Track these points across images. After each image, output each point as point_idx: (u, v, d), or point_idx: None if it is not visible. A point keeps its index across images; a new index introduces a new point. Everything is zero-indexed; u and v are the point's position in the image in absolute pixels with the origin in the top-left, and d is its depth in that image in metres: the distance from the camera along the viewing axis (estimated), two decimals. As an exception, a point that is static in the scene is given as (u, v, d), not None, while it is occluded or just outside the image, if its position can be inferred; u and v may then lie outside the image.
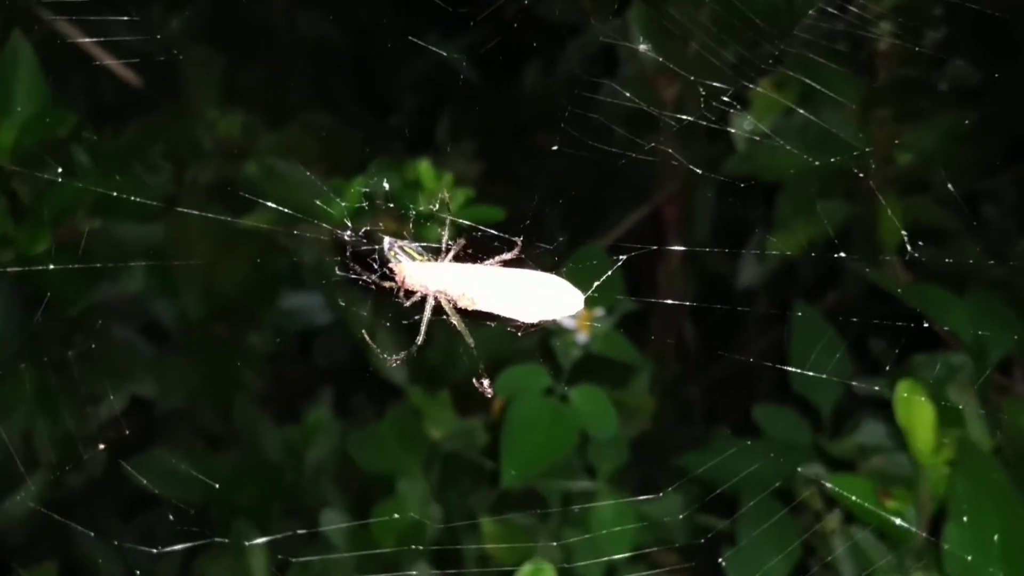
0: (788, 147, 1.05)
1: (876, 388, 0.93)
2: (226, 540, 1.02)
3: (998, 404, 0.94)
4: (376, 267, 0.74)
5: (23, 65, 0.93)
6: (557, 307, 0.69)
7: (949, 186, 1.02)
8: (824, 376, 1.04)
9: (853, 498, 0.89)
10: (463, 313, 0.72)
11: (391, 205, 0.93)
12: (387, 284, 0.73)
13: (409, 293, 0.72)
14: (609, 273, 0.75)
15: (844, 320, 1.12)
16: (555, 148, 0.78)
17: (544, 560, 0.84)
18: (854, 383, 1.05)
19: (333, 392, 1.31)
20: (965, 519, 0.82)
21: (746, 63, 0.96)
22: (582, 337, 1.03)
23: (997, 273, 1.11)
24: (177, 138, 1.20)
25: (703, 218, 1.46)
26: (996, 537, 0.81)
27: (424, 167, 0.98)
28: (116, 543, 1.03)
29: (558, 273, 0.70)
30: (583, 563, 1.00)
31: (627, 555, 1.02)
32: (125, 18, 1.04)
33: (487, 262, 0.72)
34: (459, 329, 0.72)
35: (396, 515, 1.07)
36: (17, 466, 1.10)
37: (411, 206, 0.90)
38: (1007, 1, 0.96)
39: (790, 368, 1.06)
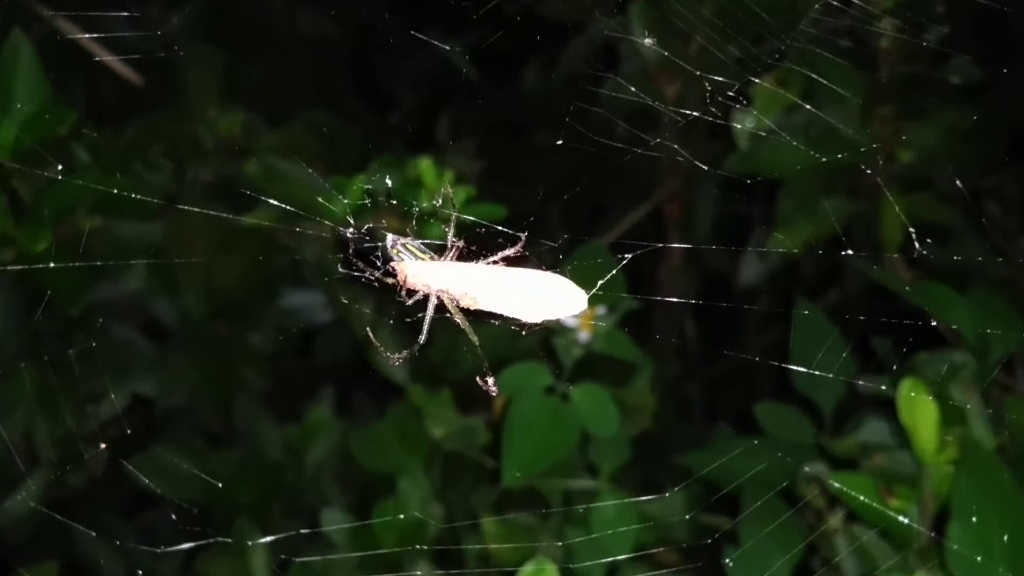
0: (791, 144, 1.04)
1: (883, 388, 0.92)
2: (229, 540, 1.01)
3: (1001, 402, 0.94)
4: (379, 265, 0.73)
5: (23, 63, 0.93)
6: (561, 307, 0.68)
7: (958, 183, 1.02)
8: (829, 376, 1.04)
9: (856, 497, 0.88)
10: (466, 311, 0.72)
11: (393, 202, 0.93)
12: (390, 282, 0.72)
13: (411, 292, 0.72)
14: (613, 272, 0.75)
15: (846, 318, 1.11)
16: (559, 143, 0.77)
17: (546, 559, 0.84)
18: (857, 382, 1.05)
19: (334, 391, 1.31)
20: (968, 518, 0.82)
21: (749, 59, 0.96)
22: (584, 335, 1.03)
23: (1000, 271, 1.11)
24: (177, 136, 1.20)
25: (704, 215, 1.45)
26: (1000, 536, 0.80)
27: (425, 165, 0.98)
28: (118, 543, 1.03)
29: (562, 272, 0.69)
30: (586, 564, 1.00)
31: (629, 554, 1.02)
32: (125, 16, 1.04)
33: (490, 259, 0.72)
34: (463, 327, 0.72)
35: (400, 516, 1.06)
36: (18, 465, 1.10)
37: (414, 203, 0.90)
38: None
39: (795, 368, 1.05)
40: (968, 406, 0.90)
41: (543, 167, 1.53)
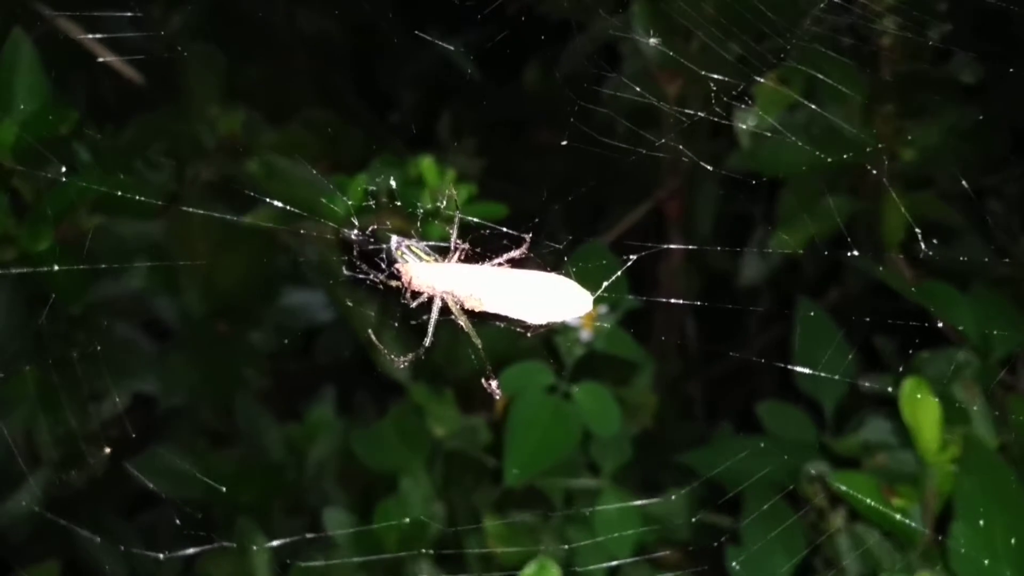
0: (793, 142, 1.04)
1: (889, 389, 0.92)
2: (233, 544, 1.01)
3: (1004, 401, 0.94)
4: (383, 267, 0.73)
5: (24, 62, 0.93)
6: (565, 308, 0.68)
7: (964, 184, 1.02)
8: (832, 377, 1.04)
9: (858, 497, 0.88)
10: (470, 314, 0.72)
11: (398, 204, 0.93)
12: (394, 284, 0.72)
13: (416, 294, 0.72)
14: (618, 274, 0.75)
15: (848, 317, 1.11)
16: (563, 144, 0.77)
17: (548, 559, 0.84)
18: (860, 382, 1.04)
19: (335, 390, 1.31)
20: (972, 518, 0.82)
21: (750, 58, 0.96)
22: (586, 335, 1.03)
23: (1002, 269, 1.11)
24: (178, 135, 1.19)
25: (705, 214, 1.45)
26: (1003, 536, 0.80)
27: (427, 164, 0.98)
28: (123, 548, 1.03)
29: (566, 273, 0.69)
30: (588, 563, 1.00)
31: (631, 553, 1.02)
32: (126, 15, 1.04)
33: (495, 261, 0.72)
34: (466, 330, 0.71)
35: (404, 519, 1.06)
36: (19, 465, 1.10)
37: (418, 204, 0.90)
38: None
39: (798, 369, 1.05)
40: (971, 406, 0.90)
41: (544, 166, 1.53)
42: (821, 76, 1.00)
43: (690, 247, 1.42)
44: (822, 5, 0.89)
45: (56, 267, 0.91)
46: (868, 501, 0.88)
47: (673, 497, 1.08)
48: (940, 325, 0.96)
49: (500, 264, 0.71)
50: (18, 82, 0.93)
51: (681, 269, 1.44)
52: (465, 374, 1.13)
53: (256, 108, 1.25)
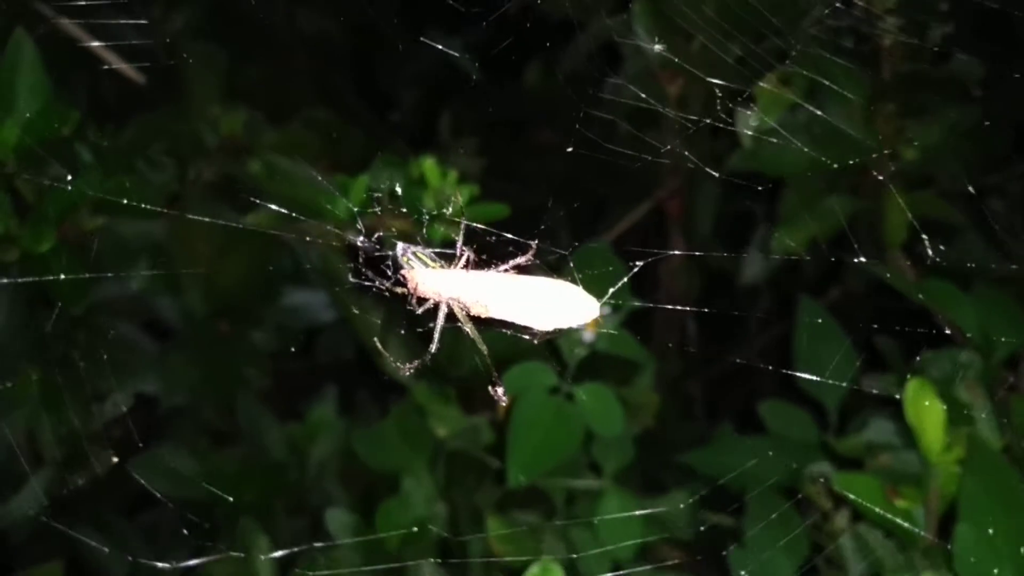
0: (794, 142, 1.04)
1: (887, 389, 0.92)
2: (242, 555, 1.01)
3: (1007, 401, 0.94)
4: (389, 274, 0.73)
5: (26, 63, 0.93)
6: (573, 315, 0.68)
7: (969, 187, 1.02)
8: (831, 380, 1.04)
9: (861, 497, 0.88)
10: (476, 319, 0.71)
11: (404, 211, 0.93)
12: (399, 291, 0.72)
13: (422, 300, 0.71)
14: (624, 280, 0.75)
15: (849, 316, 1.11)
16: (569, 150, 0.77)
17: (551, 560, 0.84)
18: (862, 383, 1.04)
19: (337, 389, 1.31)
20: (975, 519, 0.82)
21: (752, 59, 0.96)
22: (588, 335, 1.03)
23: (1004, 268, 1.11)
24: (180, 135, 1.19)
25: (706, 214, 1.45)
26: (1006, 536, 0.80)
27: (429, 165, 0.98)
28: (130, 558, 1.03)
29: (572, 279, 0.69)
30: (590, 563, 1.00)
31: (633, 554, 1.02)
32: (127, 16, 1.04)
33: (501, 267, 0.71)
34: (472, 336, 0.71)
35: (407, 520, 1.06)
36: (22, 465, 1.10)
37: (424, 210, 0.89)
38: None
39: (800, 374, 1.05)
40: (974, 406, 0.90)
41: (544, 165, 1.53)
42: (822, 76, 1.00)
43: (693, 248, 1.42)
44: (822, 8, 0.89)
45: (63, 275, 0.91)
46: (871, 503, 0.88)
47: (675, 498, 1.08)
48: (948, 332, 0.96)
49: (506, 270, 0.71)
50: (20, 82, 0.93)
51: (682, 268, 1.44)
52: (467, 374, 1.13)
53: (257, 108, 1.25)
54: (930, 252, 0.84)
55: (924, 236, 0.85)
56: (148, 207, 1.01)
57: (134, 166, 1.11)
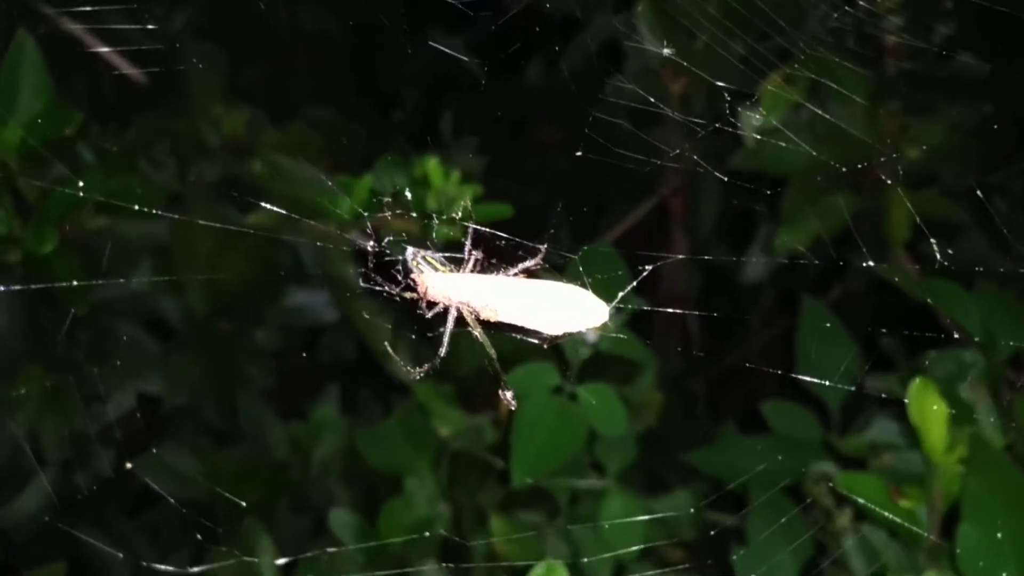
0: (798, 141, 1.04)
1: (890, 389, 0.92)
2: (255, 560, 1.01)
3: (1011, 400, 0.93)
4: (399, 279, 0.73)
5: (28, 63, 0.92)
6: (582, 319, 0.68)
7: (970, 181, 1.01)
8: (834, 382, 1.04)
9: (864, 497, 0.88)
10: (485, 323, 0.71)
11: (413, 215, 0.93)
12: (409, 296, 0.72)
13: (431, 304, 0.71)
14: (633, 284, 0.75)
15: (851, 314, 1.11)
16: (579, 154, 0.77)
17: (555, 560, 0.84)
18: (865, 383, 1.04)
19: (339, 388, 1.31)
20: (979, 518, 0.82)
21: (755, 58, 0.96)
22: (592, 336, 1.03)
23: (1007, 267, 1.11)
24: (182, 135, 1.19)
25: (709, 212, 1.45)
26: (1010, 536, 0.80)
27: (432, 165, 0.98)
28: (144, 564, 1.03)
29: (581, 283, 0.69)
30: (595, 563, 1.00)
31: (637, 553, 1.02)
32: (128, 15, 1.04)
33: (510, 272, 0.71)
34: (481, 340, 0.71)
35: (405, 517, 1.06)
36: (25, 465, 1.10)
37: (433, 215, 0.89)
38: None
39: (803, 377, 1.05)
40: (977, 405, 0.90)
41: (546, 163, 1.53)
42: (826, 75, 1.00)
43: (694, 249, 1.42)
44: (835, 15, 0.89)
45: (64, 281, 0.91)
46: (875, 503, 0.87)
47: (675, 493, 1.08)
48: (951, 331, 0.96)
49: (516, 274, 0.71)
50: (23, 82, 0.93)
51: (683, 266, 1.44)
52: (470, 374, 1.13)
53: (258, 107, 1.25)
54: (938, 256, 0.84)
55: (932, 240, 0.85)
56: (151, 209, 1.00)
57: (136, 166, 1.10)
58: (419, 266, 0.71)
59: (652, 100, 0.99)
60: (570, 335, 0.71)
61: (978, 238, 1.17)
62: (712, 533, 1.04)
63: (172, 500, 1.02)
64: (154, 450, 1.20)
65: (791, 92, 1.04)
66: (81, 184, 0.92)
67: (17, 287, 0.96)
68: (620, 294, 0.71)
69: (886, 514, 0.87)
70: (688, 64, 1.04)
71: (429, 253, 0.72)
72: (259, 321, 1.31)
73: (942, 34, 1.07)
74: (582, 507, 1.10)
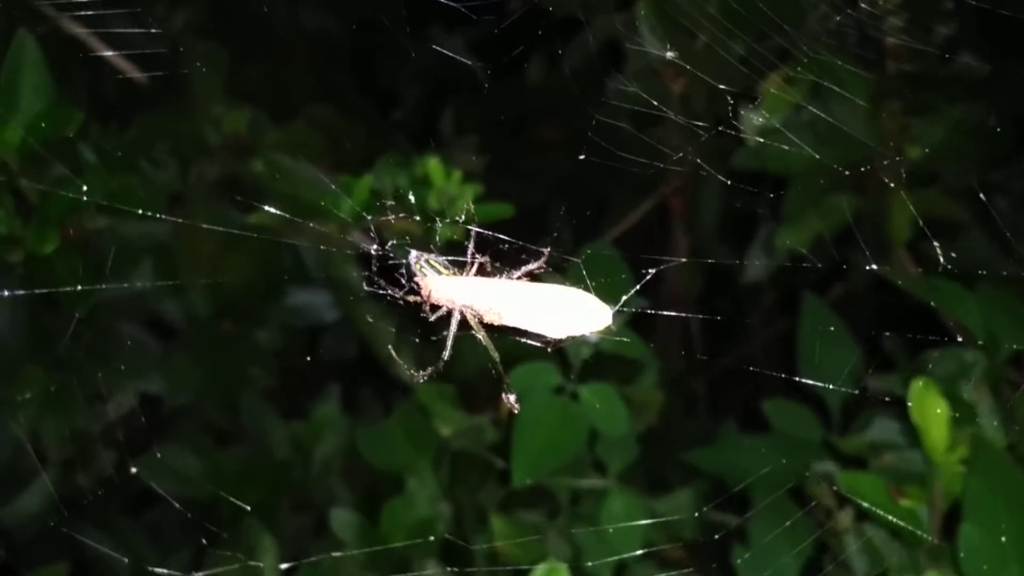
0: (799, 141, 1.04)
1: (891, 388, 0.92)
2: (260, 564, 1.01)
3: (1012, 400, 0.94)
4: (403, 283, 0.73)
5: (29, 64, 0.92)
6: (586, 323, 0.68)
7: (972, 181, 1.01)
8: (835, 381, 1.04)
9: (865, 497, 0.88)
10: (488, 326, 0.71)
11: (417, 219, 0.92)
12: (412, 299, 0.72)
13: (435, 307, 0.71)
14: (637, 288, 0.75)
15: (852, 313, 1.11)
16: (582, 157, 0.77)
17: (557, 561, 0.84)
18: (867, 383, 1.04)
19: (340, 388, 1.31)
20: (980, 518, 0.82)
21: (756, 58, 0.96)
22: (593, 336, 1.03)
23: (1009, 266, 1.11)
24: (182, 135, 1.19)
25: (710, 211, 1.45)
26: (1012, 536, 0.80)
27: (434, 165, 0.98)
28: (152, 570, 1.03)
29: (585, 287, 0.69)
30: (595, 556, 1.00)
31: (638, 552, 1.02)
32: (129, 15, 1.04)
33: (513, 275, 0.71)
34: (485, 343, 0.71)
35: (407, 516, 1.06)
36: (27, 465, 1.10)
37: (437, 220, 0.89)
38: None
39: (805, 380, 1.05)
40: (979, 405, 0.90)
41: (547, 162, 1.53)
42: (827, 76, 1.00)
43: (696, 249, 1.42)
44: (838, 19, 0.89)
45: (66, 282, 0.91)
46: (876, 502, 0.87)
47: (680, 496, 1.08)
48: (959, 339, 0.96)
49: (519, 277, 0.71)
50: (24, 83, 0.93)
51: (684, 266, 1.44)
52: (471, 373, 1.13)
53: (259, 107, 1.25)
54: (942, 260, 0.84)
55: (936, 244, 0.85)
56: (151, 210, 1.00)
57: (137, 166, 1.10)
58: (422, 269, 0.71)
59: (655, 104, 0.99)
60: (573, 338, 0.71)
61: (979, 238, 1.17)
62: (716, 538, 1.04)
63: (177, 505, 1.01)
64: (156, 450, 1.20)
65: (792, 93, 1.04)
66: (85, 189, 0.92)
67: (21, 292, 0.95)
68: (624, 298, 0.71)
69: (887, 513, 0.87)
70: (689, 65, 1.04)
71: (432, 256, 0.72)
72: (260, 321, 1.31)
73: (942, 35, 1.07)
74: (583, 506, 1.10)
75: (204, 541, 1.01)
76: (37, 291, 0.92)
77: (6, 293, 0.97)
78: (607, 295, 0.69)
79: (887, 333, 1.09)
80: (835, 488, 0.95)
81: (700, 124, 0.93)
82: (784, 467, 1.01)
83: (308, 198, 1.01)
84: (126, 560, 1.10)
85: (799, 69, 0.98)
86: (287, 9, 1.47)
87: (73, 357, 1.05)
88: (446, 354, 0.72)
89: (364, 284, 0.74)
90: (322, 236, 1.01)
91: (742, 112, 1.02)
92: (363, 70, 1.58)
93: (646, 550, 1.02)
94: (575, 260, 0.76)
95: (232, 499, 1.12)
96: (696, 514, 1.07)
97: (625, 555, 1.01)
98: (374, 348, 1.14)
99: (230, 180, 1.17)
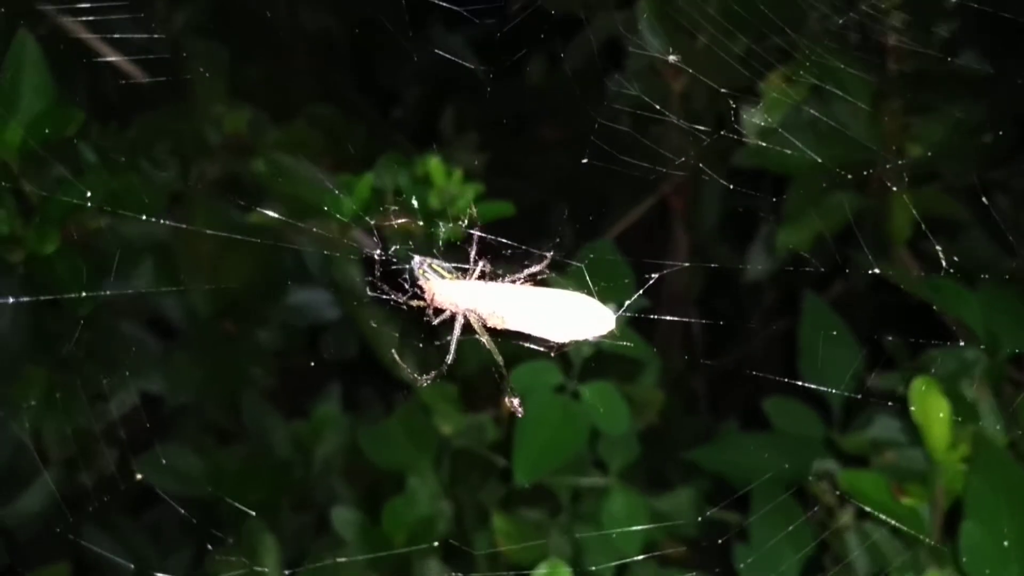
0: (799, 140, 1.04)
1: (892, 387, 0.92)
2: (265, 569, 1.01)
3: (1013, 399, 0.94)
4: (407, 288, 0.73)
5: (30, 63, 0.92)
6: (589, 327, 0.68)
7: (973, 179, 1.01)
8: (836, 379, 1.04)
9: (866, 495, 0.88)
10: (492, 330, 0.71)
11: (420, 223, 0.93)
12: (415, 304, 0.72)
13: (438, 311, 0.71)
14: (640, 293, 0.75)
15: (853, 312, 1.11)
16: (584, 161, 0.77)
17: (558, 560, 0.84)
18: (867, 380, 1.04)
19: (341, 387, 1.31)
20: (981, 516, 0.82)
21: (755, 58, 0.96)
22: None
23: (1010, 265, 1.11)
24: (183, 134, 1.19)
25: (710, 209, 1.45)
26: (1013, 534, 0.80)
27: (435, 164, 0.98)
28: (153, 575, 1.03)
29: (588, 291, 0.69)
30: (597, 561, 1.00)
31: (639, 551, 1.02)
32: (129, 15, 1.03)
33: (516, 278, 0.71)
34: (488, 347, 0.71)
35: (408, 515, 1.06)
36: (28, 465, 1.10)
37: (440, 224, 0.89)
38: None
39: (806, 383, 1.05)
40: (980, 404, 0.90)
41: (547, 161, 1.53)
42: (828, 74, 1.00)
43: (696, 248, 1.42)
44: (840, 20, 0.89)
45: (67, 284, 0.91)
46: (877, 501, 0.88)
47: (681, 495, 1.08)
48: (953, 329, 0.96)
49: (522, 281, 0.71)
50: (24, 82, 0.93)
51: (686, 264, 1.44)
52: (472, 372, 1.13)
53: (259, 106, 1.25)
54: (943, 263, 0.84)
55: (938, 248, 0.85)
56: (154, 217, 1.00)
57: (138, 166, 1.10)
58: (425, 274, 0.71)
59: (657, 107, 0.99)
60: (576, 342, 0.71)
61: (980, 237, 1.17)
62: (711, 527, 1.04)
63: (179, 509, 1.01)
64: (157, 449, 1.20)
65: (793, 93, 1.04)
66: (89, 194, 0.92)
67: (25, 299, 0.95)
68: (627, 302, 0.71)
69: (887, 513, 0.87)
70: (689, 65, 1.04)
71: (435, 261, 0.72)
72: (261, 320, 1.31)
73: (943, 34, 1.07)
74: (584, 505, 1.10)
75: (209, 547, 1.00)
76: (41, 297, 0.92)
77: (11, 300, 0.97)
78: (609, 298, 0.69)
79: (889, 338, 1.09)
80: (836, 486, 0.95)
81: (702, 128, 0.93)
82: (785, 465, 1.01)
83: (309, 197, 1.01)
84: (132, 566, 1.10)
85: (801, 73, 0.98)
86: (287, 9, 1.47)
87: (74, 356, 1.06)
88: (450, 358, 0.72)
89: (367, 289, 0.74)
90: (323, 236, 1.01)
91: (743, 113, 1.02)
92: (363, 70, 1.58)
93: (647, 545, 1.02)
94: (577, 264, 0.76)
95: (233, 500, 1.12)
96: (696, 512, 1.08)
97: (626, 552, 1.01)
98: (378, 353, 1.14)
99: (231, 179, 1.17)
